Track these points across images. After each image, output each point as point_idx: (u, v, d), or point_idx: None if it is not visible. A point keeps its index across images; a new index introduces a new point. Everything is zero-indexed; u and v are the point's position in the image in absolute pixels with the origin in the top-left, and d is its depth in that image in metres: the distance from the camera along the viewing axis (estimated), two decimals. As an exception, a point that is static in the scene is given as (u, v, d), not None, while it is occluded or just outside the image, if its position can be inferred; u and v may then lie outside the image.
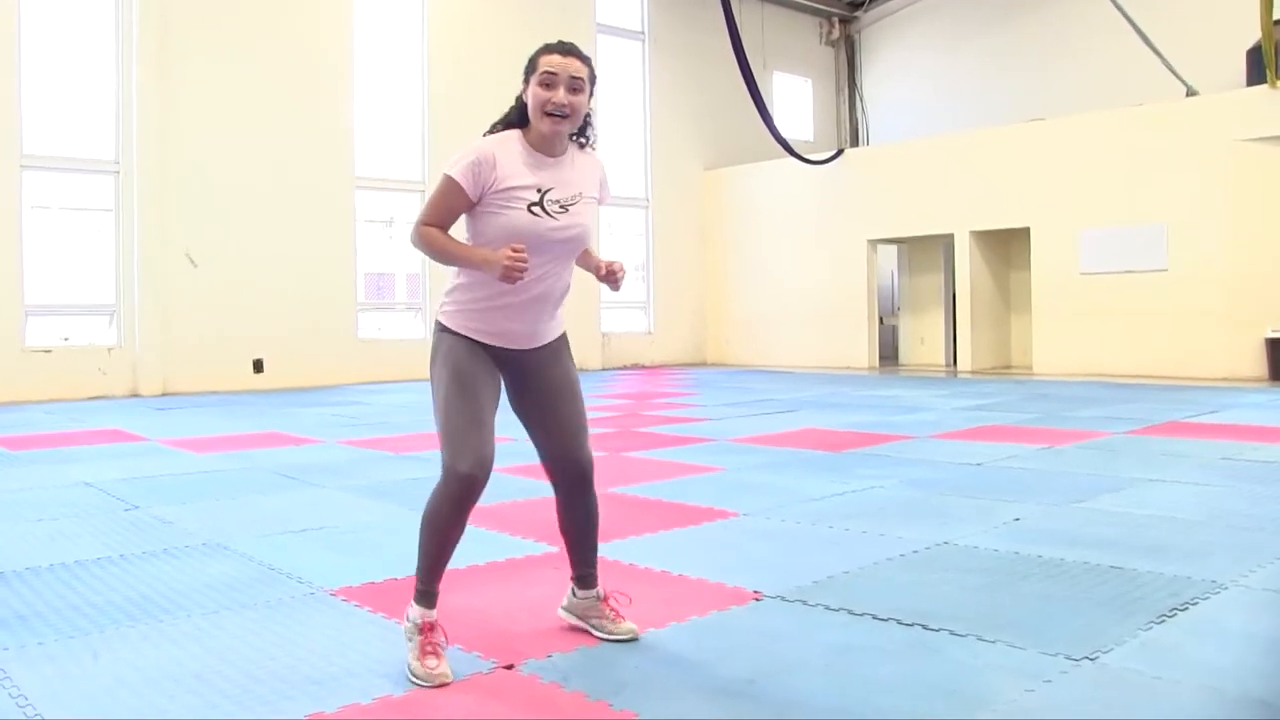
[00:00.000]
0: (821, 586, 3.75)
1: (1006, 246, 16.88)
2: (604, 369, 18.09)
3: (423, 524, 3.04)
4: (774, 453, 7.45)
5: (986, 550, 4.28)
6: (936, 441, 7.93)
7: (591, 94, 3.04)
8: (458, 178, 2.94)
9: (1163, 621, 3.29)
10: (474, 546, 4.37)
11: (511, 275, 2.83)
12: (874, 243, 17.96)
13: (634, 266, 19.31)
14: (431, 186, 13.01)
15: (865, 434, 8.44)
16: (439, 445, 2.99)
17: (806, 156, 17.91)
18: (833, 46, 22.46)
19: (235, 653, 3.14)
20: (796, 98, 21.94)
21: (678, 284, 19.55)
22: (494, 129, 3.09)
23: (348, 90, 15.33)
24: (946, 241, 17.43)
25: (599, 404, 11.18)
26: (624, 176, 19.01)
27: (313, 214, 14.96)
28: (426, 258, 3.06)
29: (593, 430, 8.68)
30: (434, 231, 2.98)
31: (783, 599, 3.60)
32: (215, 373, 14.07)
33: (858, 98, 22.32)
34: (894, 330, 19.70)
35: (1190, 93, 14.56)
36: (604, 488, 6.05)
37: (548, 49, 3.01)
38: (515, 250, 2.83)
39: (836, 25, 22.30)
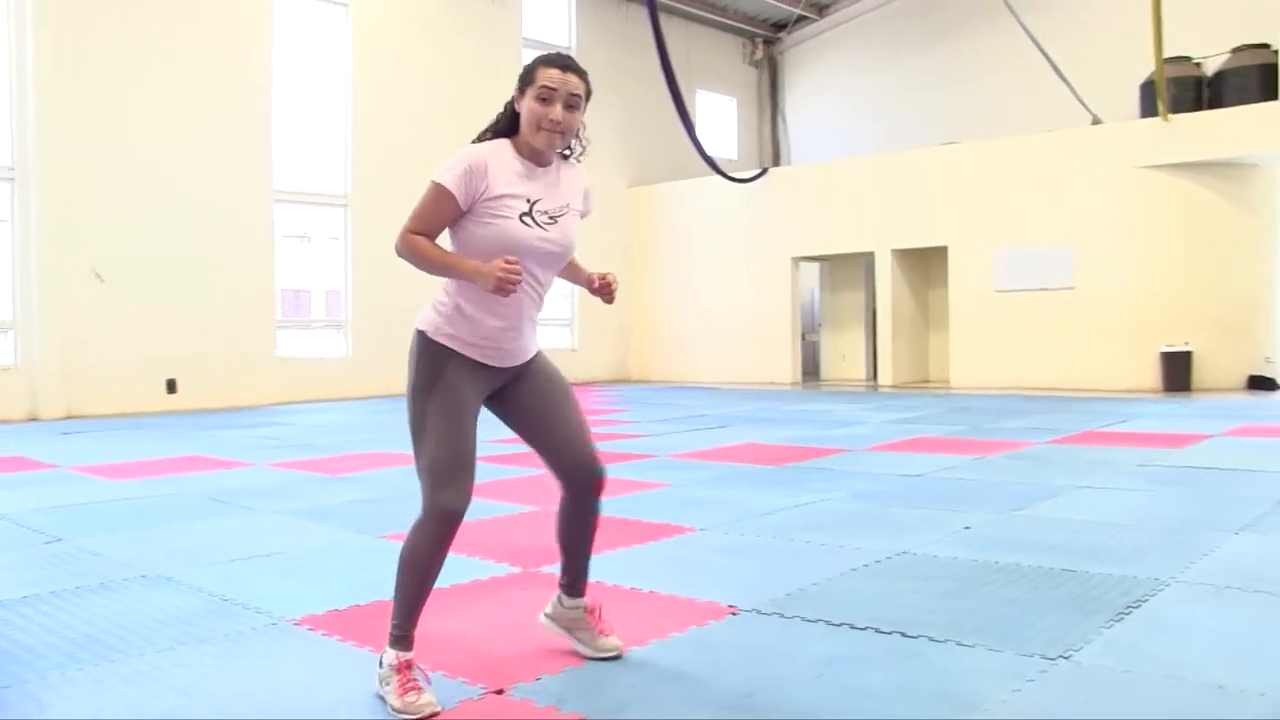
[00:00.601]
0: (794, 599, 3.87)
1: (925, 265, 17.34)
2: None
3: (401, 565, 2.95)
4: (716, 467, 7.59)
5: (945, 559, 4.45)
6: (873, 454, 8.15)
7: (584, 108, 3.03)
8: (449, 185, 2.88)
9: (1120, 620, 3.49)
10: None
11: (506, 287, 2.78)
12: (797, 260, 18.29)
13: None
14: (356, 200, 12.98)
15: (803, 448, 8.63)
16: (420, 477, 2.93)
17: (731, 175, 18.17)
18: (756, 67, 22.85)
19: (202, 691, 2.99)
20: (720, 116, 22.26)
21: (599, 300, 19.61)
22: (483, 136, 3.06)
23: (266, 100, 15.01)
24: (867, 259, 17.83)
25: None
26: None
27: (229, 227, 14.54)
28: (414, 266, 2.94)
29: (517, 448, 8.73)
30: (421, 240, 2.91)
31: (759, 612, 3.71)
32: (125, 394, 13.53)
33: (780, 117, 22.72)
34: (815, 346, 20.05)
35: (1095, 121, 15.17)
36: (549, 504, 6.12)
37: (547, 62, 2.97)
38: (509, 262, 2.79)
39: (760, 46, 22.69)
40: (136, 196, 13.73)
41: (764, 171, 18.81)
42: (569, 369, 18.97)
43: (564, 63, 2.98)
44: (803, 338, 19.05)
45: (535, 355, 3.18)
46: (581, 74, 3.00)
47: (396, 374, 14.76)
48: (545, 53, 3.06)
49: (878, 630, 3.44)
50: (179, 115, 14.11)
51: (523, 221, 2.95)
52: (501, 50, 18.02)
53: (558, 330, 19.43)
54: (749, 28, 22.35)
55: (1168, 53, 13.78)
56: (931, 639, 3.33)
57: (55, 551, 5.01)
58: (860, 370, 18.93)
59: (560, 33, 19.45)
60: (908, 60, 20.58)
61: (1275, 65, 14.37)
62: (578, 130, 3.05)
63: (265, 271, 15.02)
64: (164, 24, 14.03)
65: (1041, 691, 2.85)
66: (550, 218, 3.01)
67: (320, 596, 4.02)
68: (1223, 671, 2.98)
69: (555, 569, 4.39)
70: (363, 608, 3.85)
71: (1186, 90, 14.63)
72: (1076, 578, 4.05)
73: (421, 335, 3.01)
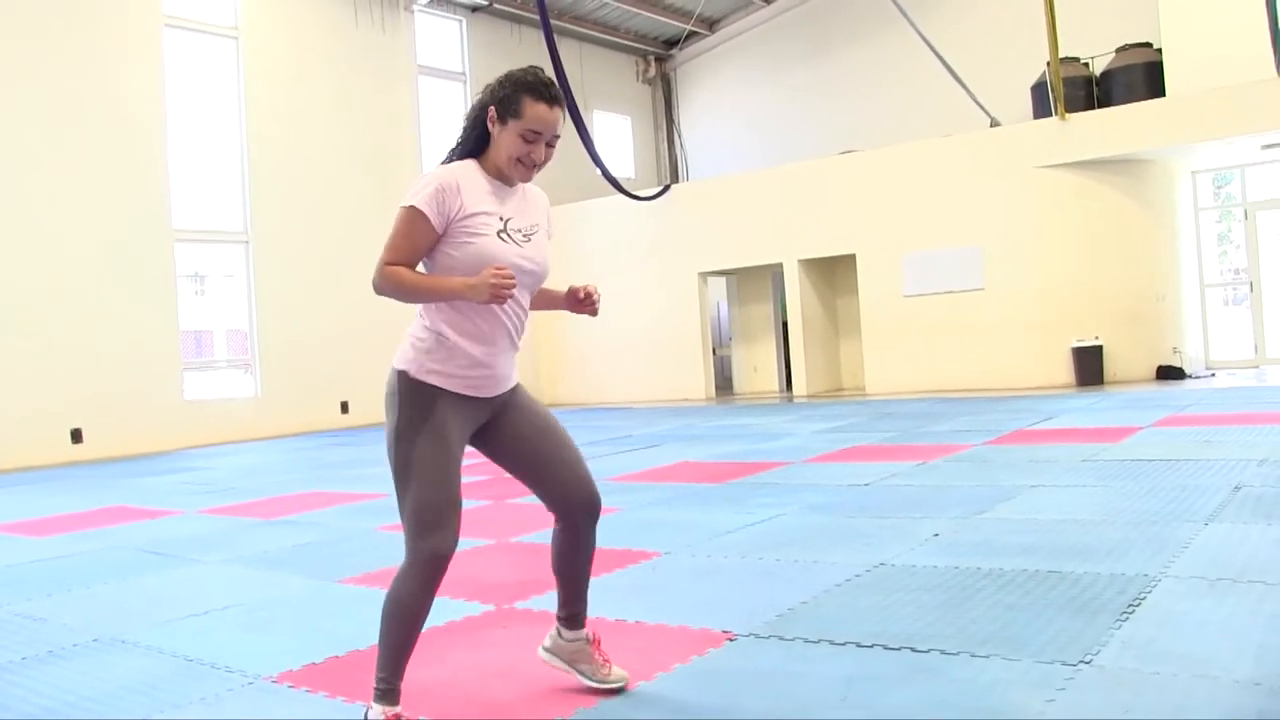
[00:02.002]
0: (788, 620, 3.73)
1: (833, 273, 17.48)
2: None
3: (387, 614, 2.78)
4: (660, 489, 7.43)
5: (925, 568, 4.36)
6: (813, 465, 8.08)
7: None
8: (421, 206, 2.73)
9: (1127, 619, 3.42)
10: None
11: (500, 293, 2.64)
12: (704, 275, 18.28)
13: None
14: (257, 235, 12.50)
15: (740, 463, 8.53)
16: (405, 520, 2.77)
17: (634, 193, 18.11)
18: (650, 84, 22.88)
19: None
20: (616, 135, 22.21)
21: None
22: (451, 157, 2.93)
23: (161, 139, 14.52)
24: (775, 271, 17.91)
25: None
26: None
27: (129, 269, 14.01)
28: (394, 297, 2.76)
29: (466, 479, 8.50)
30: (400, 270, 2.74)
31: (756, 636, 3.56)
32: (26, 446, 12.92)
33: (676, 134, 22.77)
34: (724, 361, 20.06)
35: (994, 123, 15.48)
36: (505, 537, 5.92)
37: (535, 95, 2.80)
38: (497, 268, 2.66)
39: (652, 64, 22.73)
40: (29, 239, 13.16)
41: (666, 188, 18.79)
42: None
43: (552, 97, 2.83)
44: (713, 352, 19.03)
45: (517, 384, 3.04)
46: (563, 104, 2.88)
47: (309, 412, 14.51)
48: (529, 76, 2.86)
49: (885, 647, 3.32)
50: (71, 154, 13.60)
51: (500, 238, 2.83)
52: (396, 77, 17.74)
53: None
54: (641, 46, 22.39)
55: (1063, 53, 14.13)
56: (943, 652, 3.22)
57: (-12, 621, 4.65)
58: (773, 382, 18.99)
59: (453, 58, 19.20)
60: (800, 71, 20.80)
61: (1159, 63, 14.83)
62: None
63: (168, 313, 14.52)
64: (51, 61, 13.49)
65: (1077, 698, 2.76)
66: (524, 235, 2.90)
67: (292, 651, 3.77)
68: (1253, 666, 2.93)
69: (529, 604, 4.26)
70: (341, 659, 3.63)
71: (1077, 90, 15.02)
72: (1066, 579, 3.99)
73: (402, 375, 2.85)
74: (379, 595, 4.49)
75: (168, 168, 14.61)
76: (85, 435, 13.49)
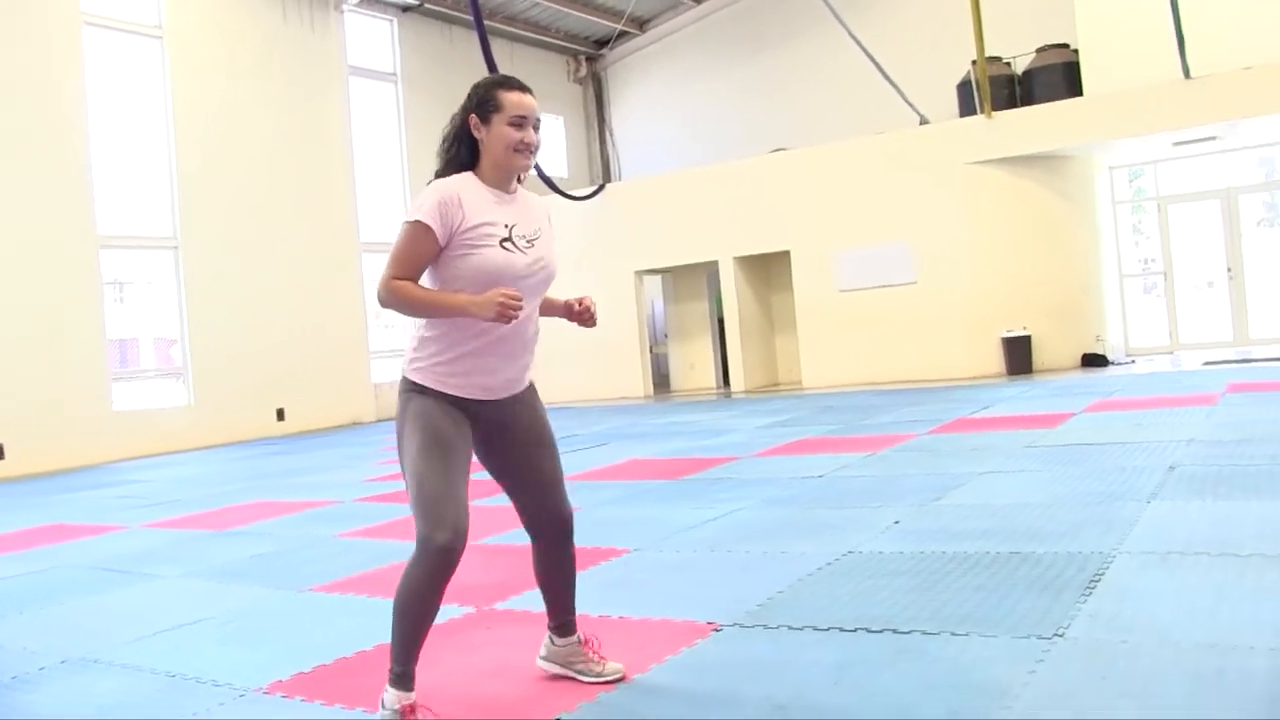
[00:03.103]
0: (768, 609, 3.86)
1: (767, 270, 17.72)
2: (379, 420, 17.64)
3: (398, 604, 2.87)
4: (617, 487, 7.53)
5: (892, 554, 4.53)
6: (764, 460, 8.25)
7: None
8: (426, 219, 2.82)
9: (1090, 593, 3.62)
10: (384, 620, 4.15)
11: (507, 314, 2.73)
12: (640, 274, 18.42)
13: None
14: (187, 241, 12.42)
15: (691, 459, 8.67)
16: (413, 513, 2.86)
17: (568, 193, 18.16)
18: (581, 84, 22.95)
19: None
20: (549, 135, 22.23)
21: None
22: (445, 171, 3.00)
23: (84, 142, 14.20)
24: (710, 269, 18.10)
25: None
26: (385, 220, 18.69)
27: (53, 277, 13.65)
28: (399, 312, 2.88)
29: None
30: (406, 284, 2.83)
31: (741, 626, 3.69)
32: (-56, 465, 12.59)
33: (608, 133, 22.87)
34: (660, 358, 20.21)
35: (923, 121, 15.83)
36: (476, 539, 5.96)
37: (507, 86, 2.96)
38: (505, 291, 2.75)
39: (583, 63, 22.80)
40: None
41: (601, 187, 18.89)
42: (420, 400, 18.59)
43: (521, 86, 3.00)
44: (650, 350, 19.17)
45: (527, 389, 3.13)
46: (533, 93, 3.04)
47: (243, 420, 14.34)
48: (494, 75, 3.05)
49: (868, 630, 3.47)
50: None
51: (504, 247, 2.92)
52: (327, 78, 17.58)
53: (398, 361, 18.97)
54: (572, 45, 22.45)
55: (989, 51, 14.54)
56: (924, 633, 3.38)
57: (-58, 648, 4.50)
58: (710, 379, 19.18)
59: (384, 58, 19.10)
60: (731, 70, 21.03)
61: (1076, 64, 15.31)
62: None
63: (94, 322, 14.17)
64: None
65: (1056, 670, 2.93)
66: (529, 241, 3.00)
67: (276, 661, 3.78)
68: (1209, 630, 3.14)
69: (509, 605, 4.34)
70: (330, 667, 3.65)
71: (1001, 88, 15.44)
72: (1028, 560, 4.18)
73: (404, 379, 2.98)
74: (355, 602, 4.63)
75: (92, 172, 14.26)
76: (7, 451, 13.10)
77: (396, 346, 18.79)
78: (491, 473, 3.15)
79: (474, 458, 3.03)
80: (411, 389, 2.93)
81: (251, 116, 16.28)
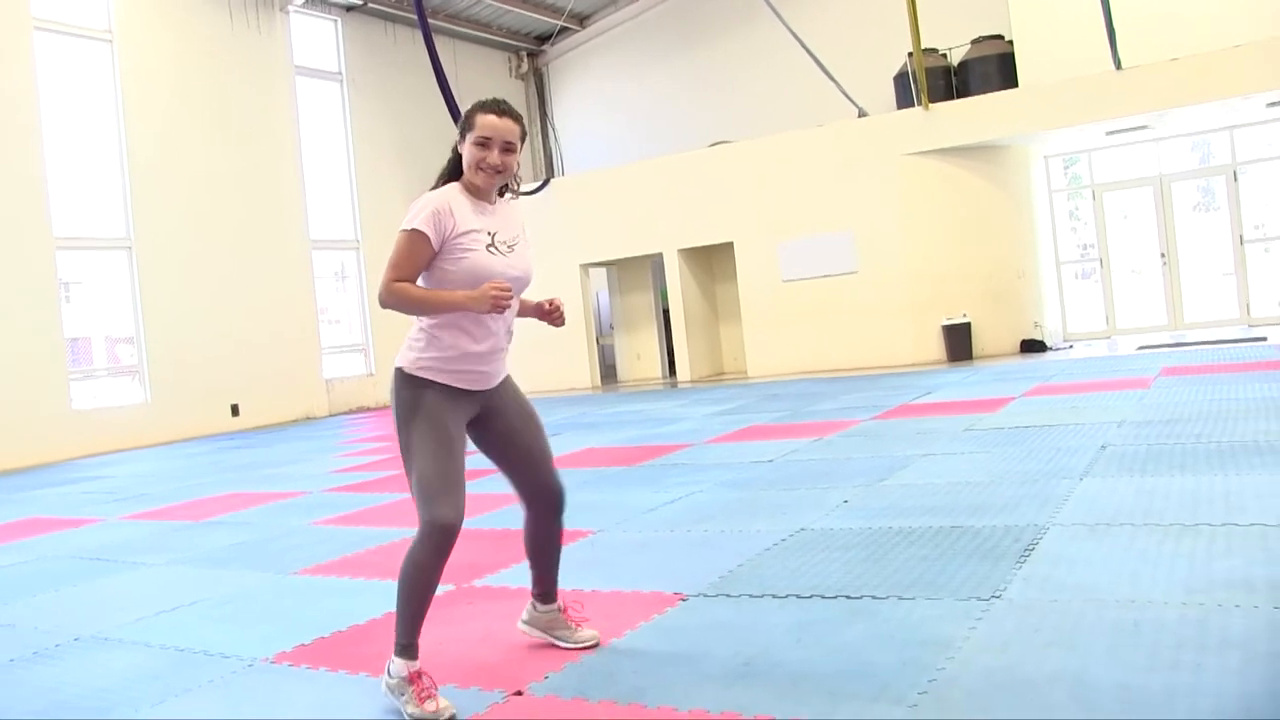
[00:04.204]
0: (730, 581, 4.16)
1: (710, 261, 18.07)
2: (331, 415, 17.75)
3: (403, 581, 3.12)
4: (575, 474, 7.76)
5: (842, 530, 4.85)
6: (716, 446, 8.55)
7: (520, 149, 3.29)
8: (422, 227, 3.10)
9: (1025, 560, 3.96)
10: (372, 599, 4.45)
11: (501, 303, 3.03)
12: (586, 266, 18.66)
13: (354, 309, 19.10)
14: (140, 241, 12.64)
15: (645, 447, 8.95)
16: (414, 497, 3.11)
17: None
18: (522, 80, 23.10)
19: None
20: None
21: (393, 322, 19.38)
22: (438, 183, 3.28)
23: (37, 144, 14.19)
24: (655, 260, 18.40)
25: (363, 449, 11.10)
26: (332, 218, 18.77)
27: (7, 278, 13.70)
28: (403, 311, 3.15)
29: (378, 475, 8.70)
30: (406, 286, 3.12)
31: (705, 595, 3.98)
32: (-95, 464, 12.61)
33: (550, 128, 23.06)
34: (607, 349, 20.47)
35: (861, 114, 16.23)
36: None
37: (484, 108, 3.22)
38: (496, 284, 3.05)
39: (525, 59, 22.97)
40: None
41: (546, 182, 19.10)
42: (370, 394, 18.75)
43: (499, 108, 3.24)
44: (596, 341, 19.43)
45: (507, 378, 3.40)
46: (517, 118, 3.28)
47: (199, 416, 14.43)
48: (485, 99, 3.28)
49: (823, 597, 3.78)
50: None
51: (489, 251, 3.20)
52: (274, 78, 17.62)
53: (353, 357, 19.09)
54: (512, 42, 22.59)
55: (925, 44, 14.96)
56: (874, 597, 3.70)
57: (-54, 633, 4.70)
58: (656, 369, 19.46)
59: (329, 58, 19.14)
60: (671, 65, 21.33)
61: (1011, 55, 15.79)
62: (514, 170, 3.31)
63: (52, 323, 14.23)
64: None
65: (994, 624, 3.26)
66: (509, 246, 3.28)
67: (276, 636, 4.03)
68: (1129, 589, 3.49)
69: (486, 581, 4.60)
70: (328, 639, 3.91)
71: (937, 80, 15.87)
72: (968, 532, 4.52)
73: (400, 372, 3.23)
74: (340, 583, 4.88)
75: (45, 174, 14.28)
76: (-37, 449, 13.16)
77: (346, 342, 18.90)
78: (488, 454, 3.42)
79: (469, 444, 3.30)
80: (413, 383, 3.19)
81: (201, 117, 16.31)
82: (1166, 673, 2.73)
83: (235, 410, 16.23)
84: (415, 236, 3.11)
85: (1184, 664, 2.77)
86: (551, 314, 3.39)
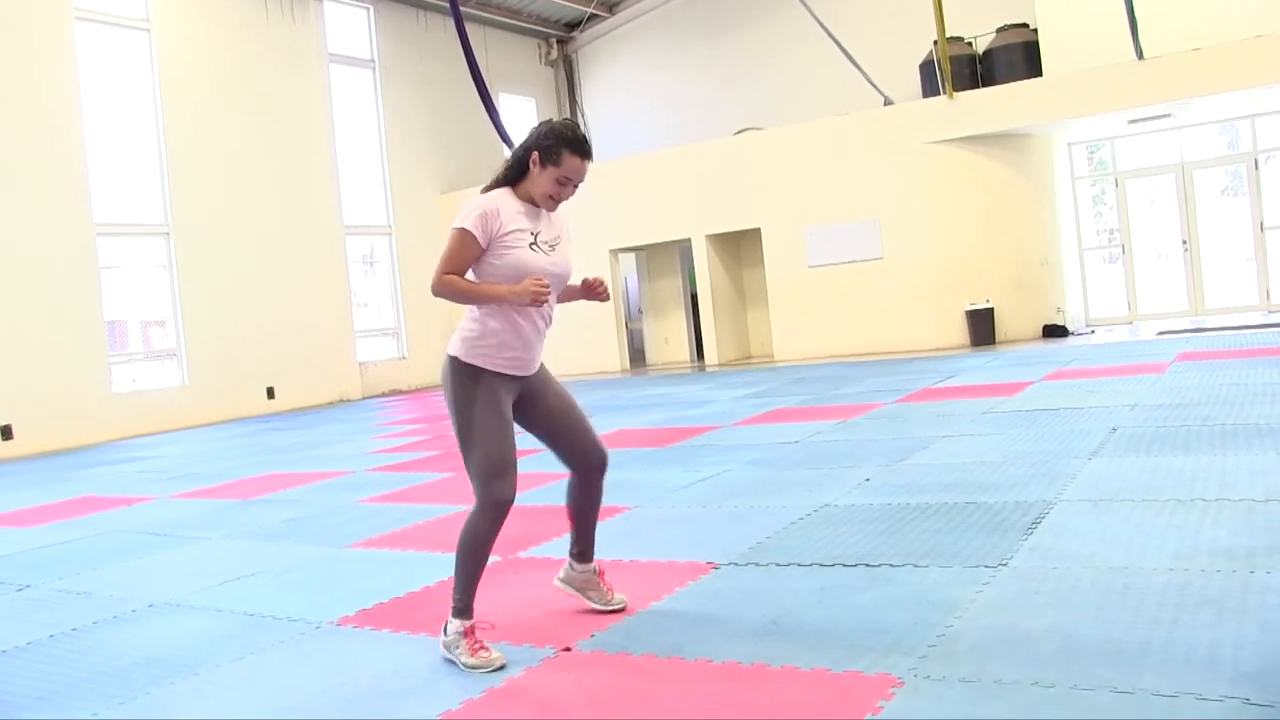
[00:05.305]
0: (759, 551, 4.50)
1: (739, 247, 18.36)
2: (365, 397, 18.18)
3: (461, 550, 3.49)
4: (610, 454, 8.11)
5: (863, 505, 5.18)
6: (744, 428, 8.88)
7: None
8: (471, 228, 3.46)
9: (1031, 533, 4.29)
10: (424, 570, 4.79)
11: (539, 297, 3.38)
12: (615, 252, 18.99)
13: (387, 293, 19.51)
14: (178, 227, 13.15)
15: (675, 429, 9.29)
16: (473, 475, 3.46)
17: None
18: (552, 66, 23.43)
19: (310, 687, 3.35)
20: (521, 117, 22.70)
21: (426, 307, 19.78)
22: (494, 184, 3.62)
23: (79, 133, 14.62)
24: (683, 246, 18.71)
25: (401, 430, 11.51)
26: (365, 204, 19.16)
27: (51, 265, 14.14)
28: (450, 301, 3.52)
29: (419, 455, 9.08)
30: (455, 279, 3.49)
31: (735, 565, 4.32)
32: (-45, 445, 13.08)
33: (579, 114, 23.36)
34: (636, 333, 20.81)
35: (887, 102, 16.46)
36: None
37: (573, 149, 3.51)
38: (536, 279, 3.40)
39: (555, 46, 23.29)
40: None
41: (576, 168, 19.38)
42: (402, 377, 19.19)
43: (585, 151, 3.57)
44: (625, 325, 19.77)
45: (543, 364, 3.78)
46: (592, 157, 3.64)
47: (235, 399, 14.94)
48: (569, 131, 3.56)
49: (845, 565, 4.11)
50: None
51: (532, 249, 3.55)
52: (307, 66, 18.01)
53: (386, 340, 19.50)
54: (543, 28, 22.91)
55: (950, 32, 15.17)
56: (891, 565, 4.03)
57: (32, 598, 5.10)
58: (684, 353, 19.79)
59: (362, 46, 19.51)
60: (699, 52, 21.60)
61: (1036, 43, 15.97)
62: None
63: (93, 308, 14.68)
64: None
65: (1000, 588, 3.59)
66: (550, 246, 3.63)
67: (339, 602, 4.38)
68: (1123, 557, 3.82)
69: (530, 554, 4.95)
70: (387, 605, 4.27)
71: (962, 68, 16.07)
72: (980, 508, 4.84)
73: (454, 360, 3.57)
74: (393, 555, 5.27)
75: (87, 162, 14.71)
76: (16, 431, 13.61)
77: (375, 326, 19.31)
78: (534, 432, 3.77)
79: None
80: (468, 370, 3.53)
81: (236, 105, 16.73)
82: (1146, 628, 3.06)
83: (271, 393, 16.68)
84: (464, 235, 3.46)
85: (1162, 620, 3.10)
86: (595, 288, 3.72)
